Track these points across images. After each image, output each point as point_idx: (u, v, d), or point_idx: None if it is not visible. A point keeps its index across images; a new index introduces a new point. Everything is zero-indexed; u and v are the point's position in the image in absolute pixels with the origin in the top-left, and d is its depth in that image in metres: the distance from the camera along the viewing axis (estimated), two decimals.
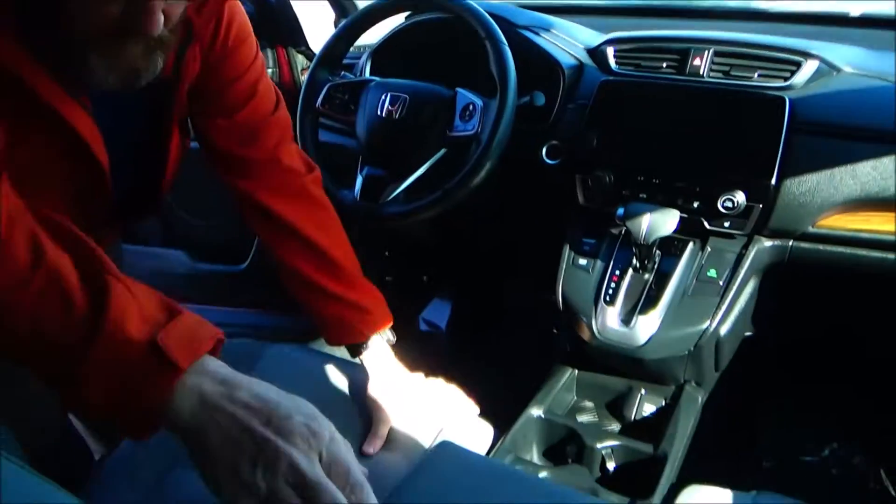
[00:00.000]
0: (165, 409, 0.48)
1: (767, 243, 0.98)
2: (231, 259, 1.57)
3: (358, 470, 0.51)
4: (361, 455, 0.87)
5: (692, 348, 0.95)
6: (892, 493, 1.13)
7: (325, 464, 0.49)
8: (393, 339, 0.91)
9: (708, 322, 0.94)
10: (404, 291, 1.56)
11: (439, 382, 0.91)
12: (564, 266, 1.04)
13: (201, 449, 0.48)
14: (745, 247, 0.97)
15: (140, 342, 0.48)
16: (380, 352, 0.88)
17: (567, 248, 1.05)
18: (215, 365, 0.51)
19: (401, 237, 1.51)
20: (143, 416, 0.48)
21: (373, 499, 0.50)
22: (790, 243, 0.97)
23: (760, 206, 0.94)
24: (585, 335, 0.99)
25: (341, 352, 0.91)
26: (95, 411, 0.48)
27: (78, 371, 0.47)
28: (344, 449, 0.51)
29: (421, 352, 0.92)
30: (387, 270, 1.55)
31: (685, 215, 0.95)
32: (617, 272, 1.00)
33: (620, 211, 0.93)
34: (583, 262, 1.03)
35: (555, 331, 1.58)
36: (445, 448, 0.67)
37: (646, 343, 0.94)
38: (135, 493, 0.71)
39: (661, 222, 0.90)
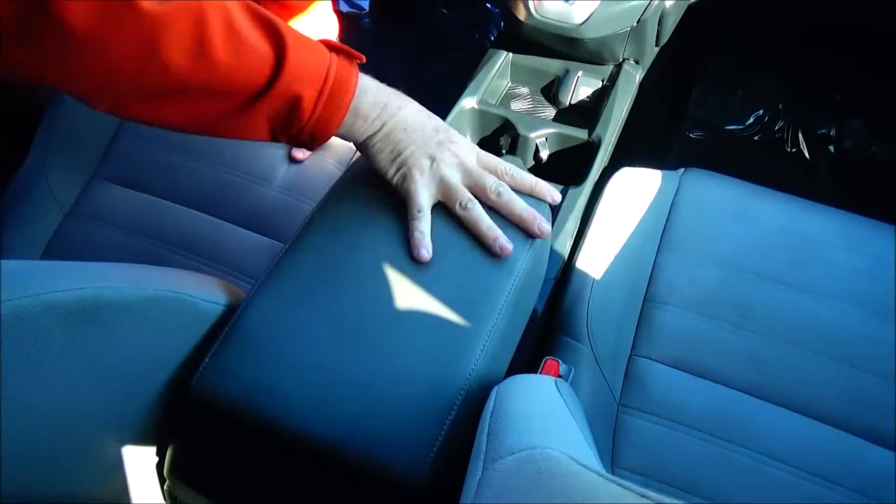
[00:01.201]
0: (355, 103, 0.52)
1: None
2: None
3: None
4: (291, 160, 0.84)
5: (635, 24, 0.88)
6: (807, 156, 1.20)
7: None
8: None
9: None
10: None
11: None
12: None
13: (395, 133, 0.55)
14: None
15: (321, 49, 0.51)
16: None
17: None
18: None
19: None
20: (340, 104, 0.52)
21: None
22: None
23: None
24: (521, 14, 0.90)
25: None
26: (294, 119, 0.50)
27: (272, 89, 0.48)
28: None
29: (341, 38, 0.83)
30: None
31: None
32: None
33: None
34: None
35: (488, 5, 1.46)
36: None
37: (586, 20, 0.87)
38: None
39: None
